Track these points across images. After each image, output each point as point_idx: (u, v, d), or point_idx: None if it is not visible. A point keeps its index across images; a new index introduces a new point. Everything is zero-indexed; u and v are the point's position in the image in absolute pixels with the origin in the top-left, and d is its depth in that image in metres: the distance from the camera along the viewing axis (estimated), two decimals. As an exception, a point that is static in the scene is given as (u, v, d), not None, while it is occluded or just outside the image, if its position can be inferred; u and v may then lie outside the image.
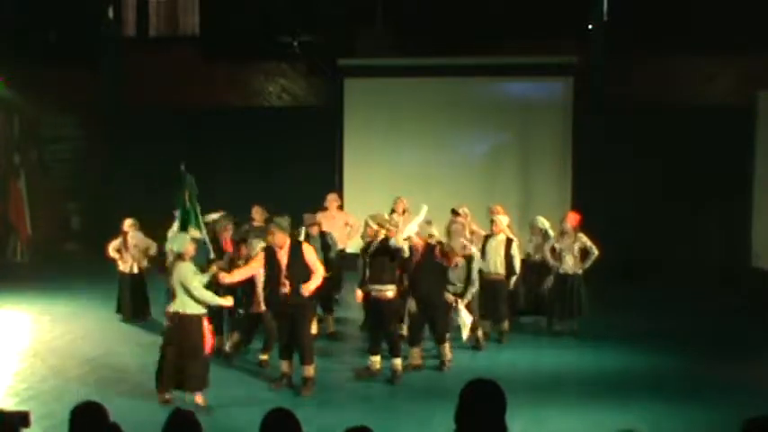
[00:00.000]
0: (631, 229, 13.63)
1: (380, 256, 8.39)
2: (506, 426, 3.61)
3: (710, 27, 13.22)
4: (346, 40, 14.99)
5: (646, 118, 14.02)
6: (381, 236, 8.43)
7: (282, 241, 8.06)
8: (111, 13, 15.88)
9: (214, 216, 10.09)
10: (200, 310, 7.62)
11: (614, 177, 13.90)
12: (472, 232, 10.85)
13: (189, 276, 7.54)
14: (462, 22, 14.15)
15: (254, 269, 8.36)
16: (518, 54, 14.35)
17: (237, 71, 15.79)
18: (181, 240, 7.86)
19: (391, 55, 14.66)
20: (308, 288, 7.99)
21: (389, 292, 8.41)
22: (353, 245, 10.77)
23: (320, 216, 11.18)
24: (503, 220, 10.02)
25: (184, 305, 7.55)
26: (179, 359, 7.54)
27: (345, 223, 11.28)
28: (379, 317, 8.54)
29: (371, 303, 8.55)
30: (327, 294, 9.96)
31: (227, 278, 8.22)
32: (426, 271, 8.69)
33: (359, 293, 8.77)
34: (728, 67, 13.98)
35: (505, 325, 10.11)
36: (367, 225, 8.60)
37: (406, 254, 8.49)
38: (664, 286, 13.04)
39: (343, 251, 10.97)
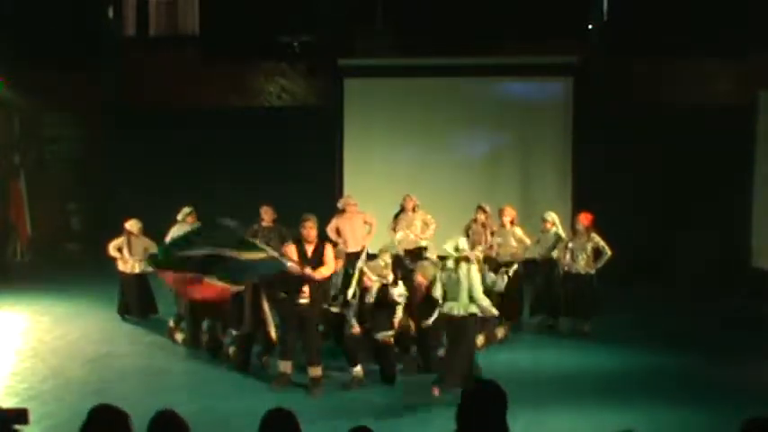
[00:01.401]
0: (631, 229, 13.62)
1: (381, 307, 8.42)
2: (507, 426, 3.62)
3: (710, 27, 13.22)
4: (346, 40, 14.98)
5: (646, 118, 14.01)
6: (378, 285, 8.44)
7: (314, 237, 8.12)
8: (111, 13, 15.88)
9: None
10: (475, 311, 7.87)
11: (614, 177, 13.89)
12: (493, 233, 10.84)
13: (479, 279, 7.88)
14: (462, 22, 14.14)
15: (333, 266, 8.33)
16: (518, 54, 14.34)
17: (237, 71, 15.77)
18: (462, 242, 8.05)
19: (391, 55, 14.66)
20: (320, 272, 8.10)
21: (391, 337, 8.47)
22: (372, 245, 10.68)
23: (338, 220, 11.06)
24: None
25: (468, 306, 7.79)
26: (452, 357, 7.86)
27: (364, 221, 11.21)
28: (375, 352, 8.55)
29: (370, 339, 8.52)
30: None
31: (318, 273, 8.10)
32: (427, 309, 8.75)
33: (356, 329, 8.62)
34: (728, 67, 13.97)
35: (498, 334, 10.09)
36: (363, 274, 8.61)
37: (401, 302, 8.59)
38: (663, 286, 13.04)
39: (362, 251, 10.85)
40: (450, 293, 7.92)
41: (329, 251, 8.34)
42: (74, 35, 15.06)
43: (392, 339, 8.49)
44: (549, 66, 14.45)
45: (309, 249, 8.14)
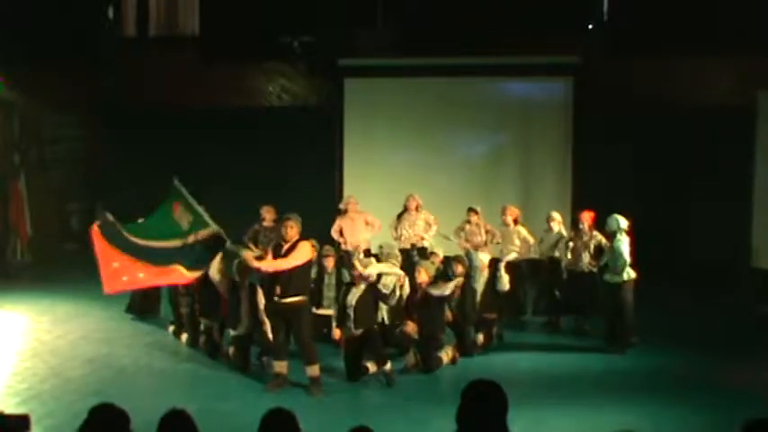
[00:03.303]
0: (631, 229, 13.60)
1: (366, 301, 8.44)
2: (508, 426, 3.61)
3: (710, 27, 13.22)
4: (346, 40, 14.98)
5: (646, 118, 14.01)
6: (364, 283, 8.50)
7: (293, 237, 8.10)
8: (111, 13, 15.88)
9: None
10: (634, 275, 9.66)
11: (614, 177, 13.90)
12: (487, 231, 10.90)
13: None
14: (462, 22, 14.14)
15: (296, 261, 8.07)
16: (518, 54, 14.34)
17: (237, 71, 15.78)
18: (620, 219, 9.70)
19: (392, 55, 14.65)
20: (269, 264, 8.00)
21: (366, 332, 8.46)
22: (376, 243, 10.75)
23: (340, 221, 11.08)
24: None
25: (630, 274, 9.59)
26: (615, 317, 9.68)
27: (366, 222, 11.22)
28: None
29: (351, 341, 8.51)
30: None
31: (267, 265, 8.06)
32: (428, 309, 8.84)
33: (337, 332, 8.67)
34: (728, 67, 13.97)
35: (494, 330, 10.08)
36: (353, 268, 8.66)
37: (395, 298, 8.62)
38: (664, 286, 13.03)
39: (368, 251, 10.89)
40: (617, 264, 9.58)
41: (300, 248, 8.08)
42: (74, 35, 15.06)
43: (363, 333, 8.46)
44: (549, 66, 14.45)
45: (285, 247, 8.10)
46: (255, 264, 8.18)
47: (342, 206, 11.32)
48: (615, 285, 9.68)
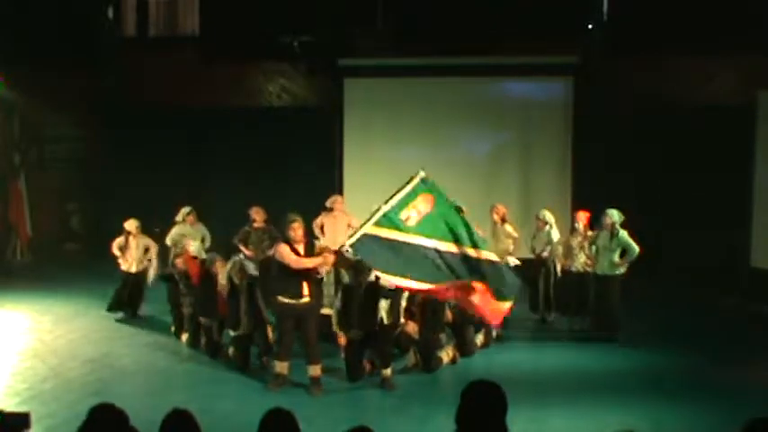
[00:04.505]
0: (631, 228, 13.60)
1: (368, 300, 8.40)
2: (507, 427, 3.62)
3: (710, 27, 13.22)
4: (346, 40, 14.98)
5: (646, 118, 14.02)
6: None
7: (302, 236, 8.11)
8: (111, 13, 15.89)
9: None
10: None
11: (614, 177, 13.90)
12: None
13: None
14: (462, 22, 14.15)
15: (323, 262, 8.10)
16: (518, 54, 14.34)
17: (237, 71, 15.77)
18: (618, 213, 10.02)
19: (391, 55, 14.66)
20: (311, 261, 7.99)
21: (360, 335, 8.43)
22: None
23: (323, 217, 11.13)
24: None
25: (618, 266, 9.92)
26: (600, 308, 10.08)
27: (348, 225, 11.24)
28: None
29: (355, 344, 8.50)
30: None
31: (302, 263, 7.98)
32: (428, 312, 8.83)
33: (342, 338, 8.55)
34: (728, 67, 13.98)
35: (494, 333, 10.08)
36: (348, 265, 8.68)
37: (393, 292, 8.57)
38: (663, 286, 13.05)
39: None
40: (613, 256, 9.90)
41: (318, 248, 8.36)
42: (74, 35, 15.07)
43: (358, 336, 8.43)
44: (549, 66, 14.46)
45: (300, 249, 8.10)
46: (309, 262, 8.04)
47: (328, 204, 11.35)
48: (608, 278, 9.91)
